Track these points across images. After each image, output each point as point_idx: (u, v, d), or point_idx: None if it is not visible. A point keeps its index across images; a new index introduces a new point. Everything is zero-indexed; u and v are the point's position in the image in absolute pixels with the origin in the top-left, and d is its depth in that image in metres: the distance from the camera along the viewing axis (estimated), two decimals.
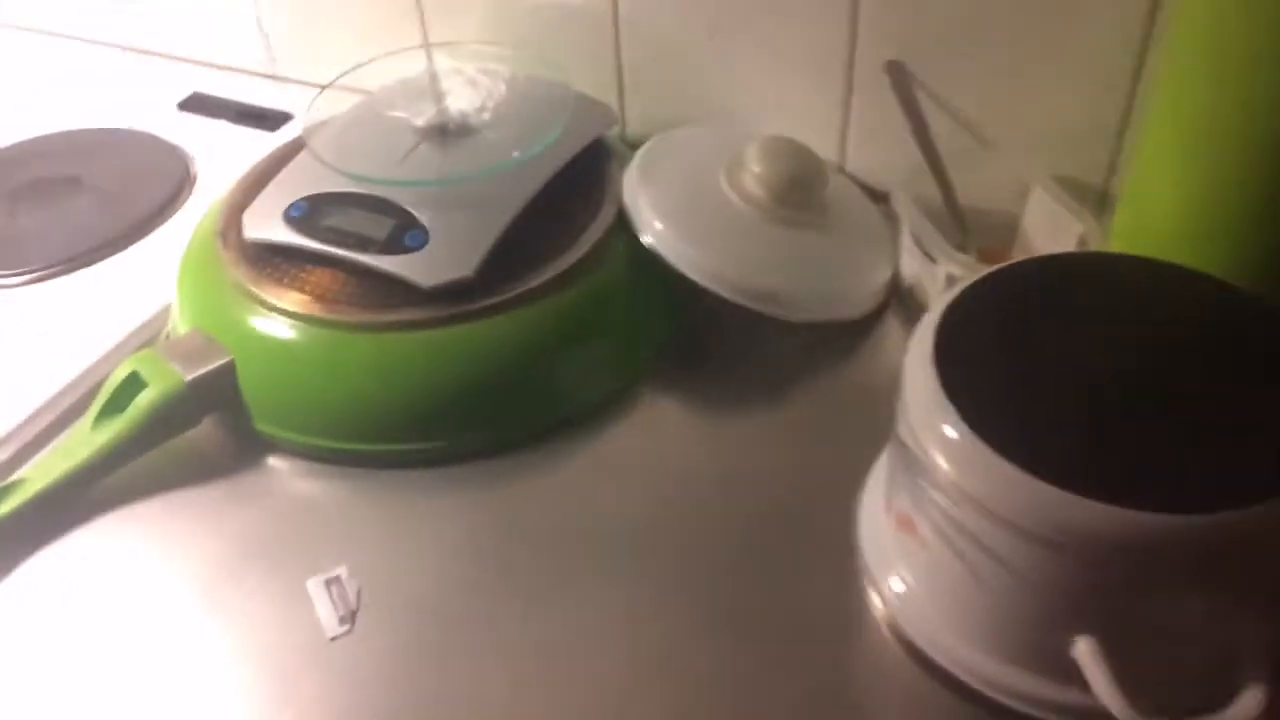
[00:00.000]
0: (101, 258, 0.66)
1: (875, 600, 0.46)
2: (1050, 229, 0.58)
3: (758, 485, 0.52)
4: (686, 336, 0.59)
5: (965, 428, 0.39)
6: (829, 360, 0.58)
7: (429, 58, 0.71)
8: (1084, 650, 0.38)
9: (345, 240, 0.55)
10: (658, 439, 0.55)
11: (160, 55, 0.89)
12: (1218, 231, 0.47)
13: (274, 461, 0.55)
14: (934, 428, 0.40)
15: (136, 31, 0.88)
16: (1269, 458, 0.37)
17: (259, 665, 0.46)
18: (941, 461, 0.40)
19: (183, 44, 0.87)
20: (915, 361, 0.42)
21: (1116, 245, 0.53)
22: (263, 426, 0.54)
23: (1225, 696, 0.38)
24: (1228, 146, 0.45)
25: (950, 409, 0.40)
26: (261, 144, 0.73)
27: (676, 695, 0.44)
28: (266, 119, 0.79)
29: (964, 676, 0.43)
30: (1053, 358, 0.42)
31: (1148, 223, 0.50)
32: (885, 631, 0.45)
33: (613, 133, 0.65)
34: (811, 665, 0.45)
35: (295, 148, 0.62)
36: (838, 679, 0.45)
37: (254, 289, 0.55)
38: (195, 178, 0.73)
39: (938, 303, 0.44)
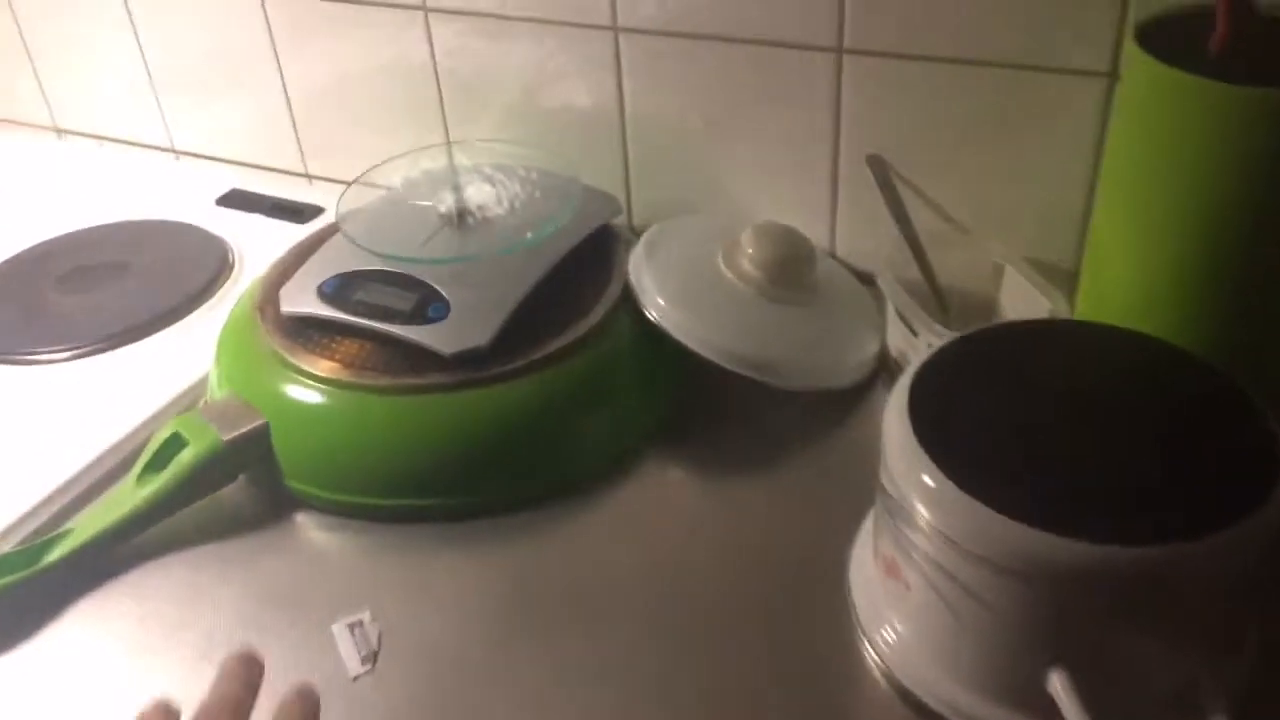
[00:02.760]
0: (145, 335, 0.71)
1: (868, 648, 0.49)
2: (1023, 306, 0.62)
3: (755, 543, 0.56)
4: (689, 405, 0.64)
5: (939, 473, 0.43)
6: (822, 427, 0.62)
7: (449, 154, 0.77)
8: (1057, 683, 0.41)
9: (373, 312, 0.60)
10: (661, 500, 0.59)
11: (202, 157, 0.96)
12: (1163, 303, 0.51)
13: (302, 517, 0.58)
14: (912, 475, 0.44)
15: (181, 135, 0.96)
16: (1212, 498, 0.41)
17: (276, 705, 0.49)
18: (920, 505, 0.43)
19: (222, 146, 0.94)
20: (893, 415, 0.46)
21: (1080, 318, 0.57)
22: (294, 483, 0.58)
23: None
24: (1166, 232, 0.51)
25: (925, 457, 0.43)
26: (294, 234, 0.79)
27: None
28: (299, 212, 0.85)
29: (947, 711, 0.45)
30: (1018, 410, 0.46)
31: (1104, 298, 0.54)
32: (879, 677, 0.48)
33: (619, 220, 0.71)
34: (802, 709, 0.47)
35: (327, 233, 0.68)
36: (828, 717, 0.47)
37: (288, 357, 0.59)
38: (233, 264, 0.79)
39: (914, 363, 0.49)
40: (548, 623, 0.52)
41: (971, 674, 0.45)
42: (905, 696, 0.47)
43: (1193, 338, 0.48)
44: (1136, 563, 0.39)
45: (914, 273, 0.65)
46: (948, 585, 0.43)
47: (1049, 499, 0.41)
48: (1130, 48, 0.50)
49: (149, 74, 0.92)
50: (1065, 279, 0.63)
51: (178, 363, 0.68)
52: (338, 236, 0.66)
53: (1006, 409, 0.46)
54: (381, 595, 0.54)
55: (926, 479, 0.43)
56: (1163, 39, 0.51)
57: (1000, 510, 0.41)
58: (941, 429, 0.45)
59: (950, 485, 0.42)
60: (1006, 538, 0.41)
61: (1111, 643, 0.41)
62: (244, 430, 0.58)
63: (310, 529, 0.58)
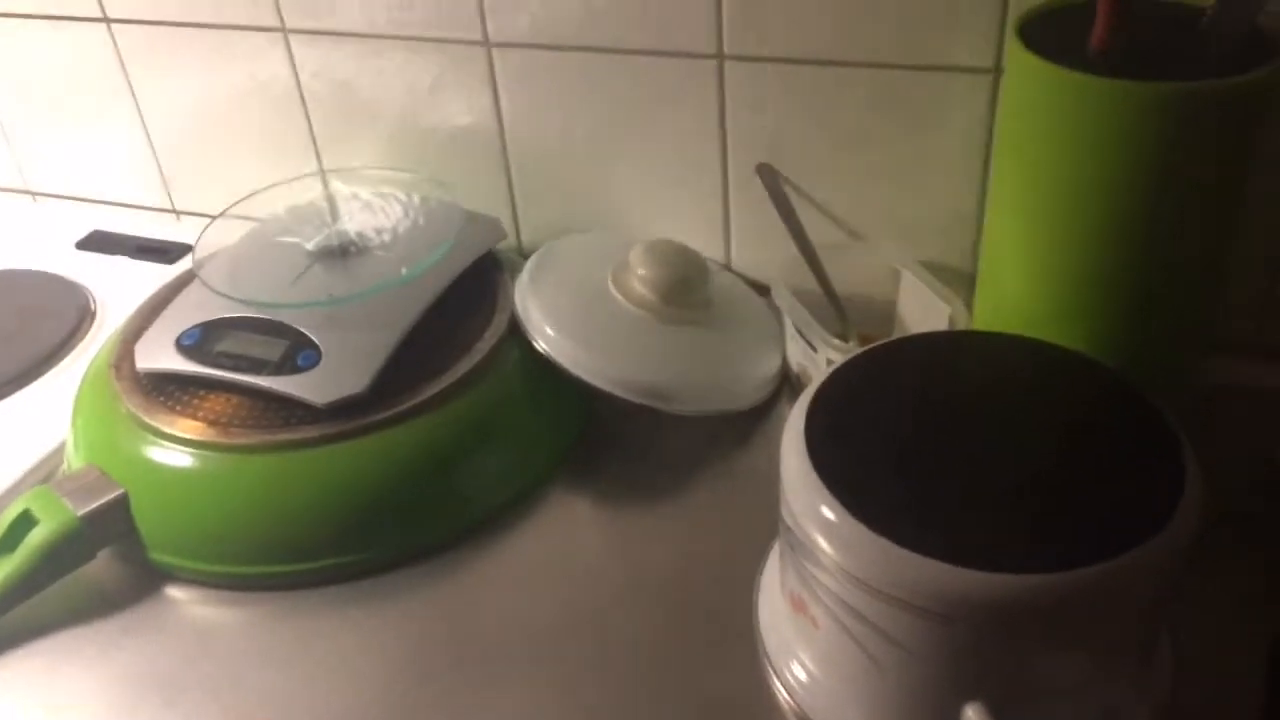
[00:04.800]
0: None
1: (779, 686, 0.47)
2: (922, 312, 0.60)
3: (662, 578, 0.53)
4: (588, 436, 0.61)
5: (840, 507, 0.40)
6: (726, 449, 0.60)
7: (323, 183, 0.73)
8: (971, 716, 0.39)
9: (238, 364, 0.55)
10: (564, 539, 0.56)
11: (60, 197, 0.89)
12: (1059, 306, 0.50)
13: (172, 591, 0.54)
14: (811, 509, 0.41)
15: (34, 175, 0.89)
16: (1117, 519, 0.39)
17: None
18: (821, 541, 0.41)
19: (81, 185, 0.88)
20: (789, 445, 0.44)
21: (978, 324, 0.56)
22: (158, 556, 0.54)
23: None
24: (1057, 231, 0.49)
25: (823, 489, 0.41)
26: (162, 276, 0.74)
27: None
28: (166, 252, 0.80)
29: None
30: (920, 432, 0.44)
31: (1001, 303, 0.53)
32: (787, 711, 0.46)
33: (504, 246, 0.67)
34: None
35: (189, 278, 0.63)
36: None
37: (146, 419, 0.55)
38: (95, 313, 0.74)
39: (810, 388, 0.46)
40: (453, 678, 0.49)
41: (885, 713, 0.42)
42: None
43: (1091, 340, 0.47)
44: (1052, 590, 0.37)
45: (811, 283, 0.63)
46: (856, 624, 0.41)
47: (957, 531, 0.39)
48: (1011, 43, 0.49)
49: None
50: (965, 281, 0.62)
51: (33, 429, 0.63)
52: (199, 281, 0.61)
53: (907, 432, 0.44)
54: (267, 670, 0.50)
55: (827, 513, 0.41)
56: (1045, 33, 0.49)
57: (907, 546, 0.38)
58: (841, 456, 0.42)
59: (852, 520, 0.40)
60: (917, 576, 0.38)
61: (1029, 672, 0.40)
62: (101, 502, 0.53)
63: (184, 604, 0.53)
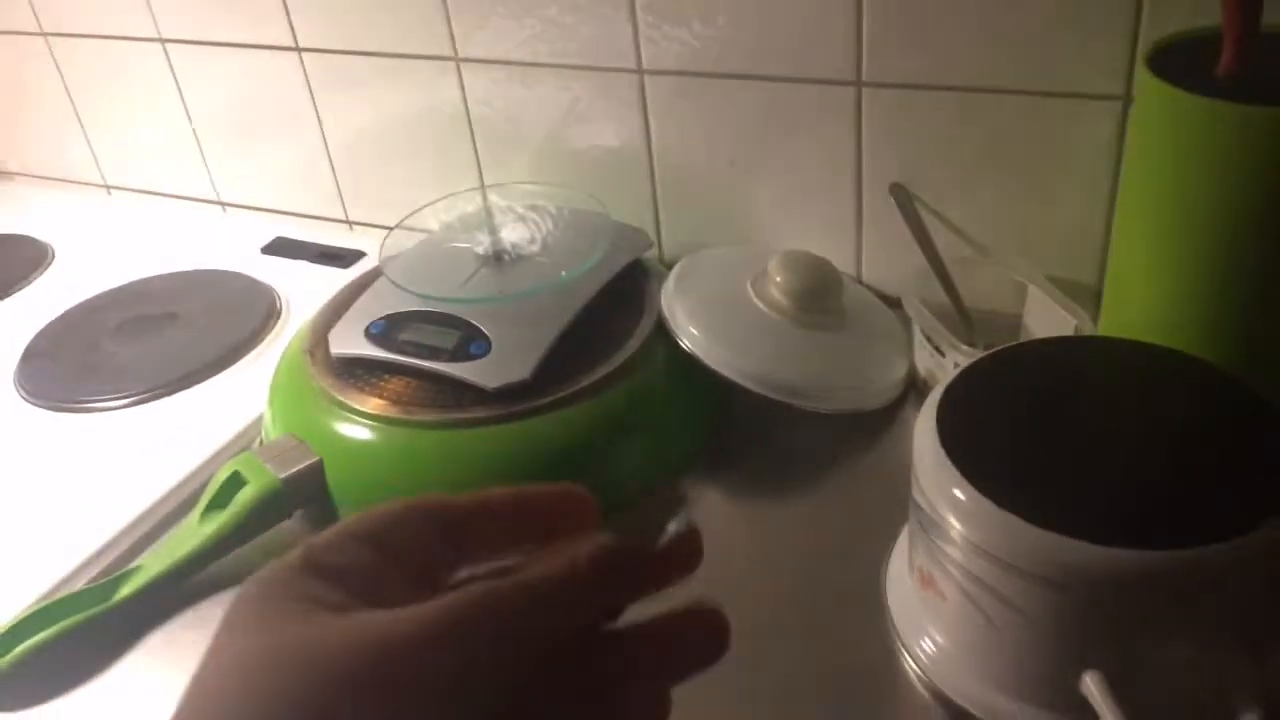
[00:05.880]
0: (199, 380, 0.75)
1: (908, 659, 0.50)
2: (1048, 324, 0.64)
3: (793, 562, 0.57)
4: (725, 431, 0.65)
5: (970, 487, 0.44)
6: (855, 447, 0.64)
7: (484, 197, 0.80)
8: (1091, 685, 0.43)
9: (419, 351, 0.62)
10: (701, 523, 0.60)
11: (246, 208, 0.99)
12: (1183, 317, 0.53)
13: None
14: (943, 489, 0.45)
15: (225, 188, 1.00)
16: (1236, 502, 0.42)
17: None
18: (951, 518, 0.45)
19: (266, 197, 0.98)
20: (923, 431, 0.48)
21: (1104, 333, 0.59)
22: (346, 515, 0.61)
23: None
24: (1182, 249, 0.52)
25: (954, 471, 0.45)
26: (338, 279, 0.82)
27: None
28: (342, 258, 0.88)
29: (984, 716, 0.47)
30: (1044, 423, 0.47)
31: (1126, 314, 0.56)
32: (918, 686, 0.49)
33: (649, 255, 0.73)
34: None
35: (371, 278, 0.71)
36: None
37: (339, 396, 0.62)
38: (280, 310, 0.82)
39: (942, 382, 0.50)
40: None
41: (1008, 679, 0.46)
42: (945, 703, 0.48)
43: (1212, 349, 0.50)
44: (1164, 566, 0.40)
45: (939, 295, 0.67)
46: (982, 595, 0.45)
47: (1078, 507, 0.43)
48: (1142, 72, 0.52)
49: (193, 129, 0.96)
50: (1089, 296, 0.65)
51: (232, 406, 0.71)
52: (382, 280, 0.69)
53: (1033, 422, 0.48)
54: None
55: (957, 492, 0.45)
56: (1174, 62, 0.52)
57: (1030, 520, 0.42)
58: (970, 443, 0.46)
59: (980, 498, 0.44)
60: (1038, 546, 0.42)
61: (1143, 645, 0.43)
62: (299, 468, 0.60)
63: None
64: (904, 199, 0.69)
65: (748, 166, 0.74)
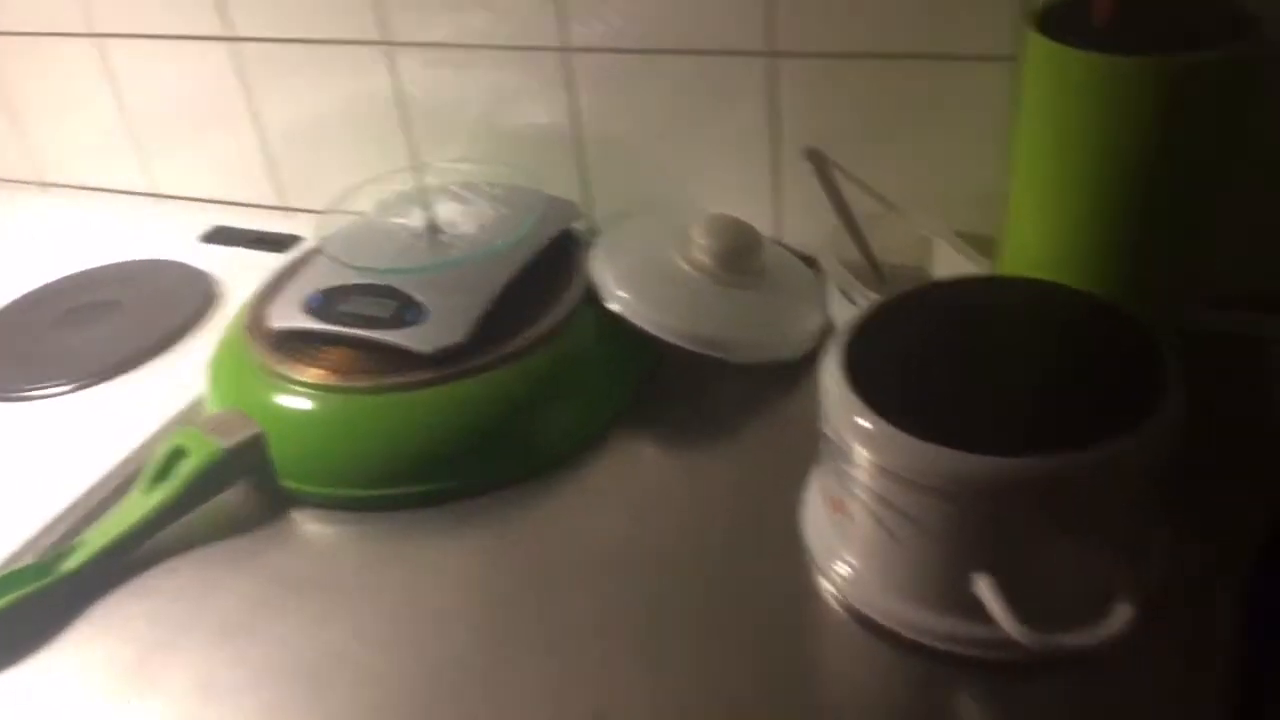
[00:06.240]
0: (141, 363, 0.76)
1: (824, 583, 0.54)
2: (953, 273, 0.67)
3: (717, 505, 0.60)
4: (654, 387, 0.69)
5: (867, 410, 0.47)
6: (775, 395, 0.67)
7: (418, 176, 0.82)
8: (982, 586, 0.46)
9: (356, 321, 0.65)
10: (629, 474, 0.64)
11: (184, 199, 1.01)
12: (1070, 255, 0.57)
13: (298, 514, 0.63)
14: (845, 415, 0.49)
15: (163, 179, 1.01)
16: (1111, 410, 0.46)
17: (291, 677, 0.53)
18: (853, 441, 0.48)
19: (202, 187, 0.99)
20: (828, 365, 0.51)
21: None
22: (290, 483, 0.63)
23: (1099, 617, 0.46)
24: (1070, 194, 0.56)
25: (853, 397, 0.48)
26: (276, 264, 0.83)
27: (660, 680, 0.51)
28: (280, 243, 0.90)
29: (898, 628, 0.50)
30: (939, 352, 0.51)
31: (1020, 255, 0.60)
32: (835, 606, 0.53)
33: (580, 225, 0.76)
34: (774, 646, 0.52)
35: (308, 258, 0.73)
36: (798, 654, 0.51)
37: (280, 369, 0.64)
38: (218, 294, 0.84)
39: (848, 321, 0.54)
40: (530, 584, 0.57)
41: (911, 589, 0.49)
42: (859, 619, 0.51)
43: (1096, 281, 0.54)
44: (1035, 472, 0.44)
45: (853, 253, 0.71)
46: (884, 511, 0.48)
47: (963, 425, 0.46)
48: (1026, 29, 0.56)
49: (128, 124, 0.97)
50: (991, 247, 0.69)
51: (173, 388, 0.73)
52: (319, 258, 0.71)
53: (928, 353, 0.51)
54: (380, 575, 0.58)
55: (857, 418, 0.48)
56: (1059, 19, 0.56)
57: (920, 436, 0.46)
58: (870, 374, 0.50)
59: (877, 420, 0.47)
60: (925, 460, 0.45)
61: (1027, 548, 0.46)
62: (240, 438, 0.62)
63: (307, 523, 0.62)
64: (818, 162, 0.72)
65: (673, 137, 0.78)
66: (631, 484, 0.63)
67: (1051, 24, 0.56)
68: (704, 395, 0.68)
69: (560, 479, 0.63)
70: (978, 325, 0.53)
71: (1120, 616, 0.46)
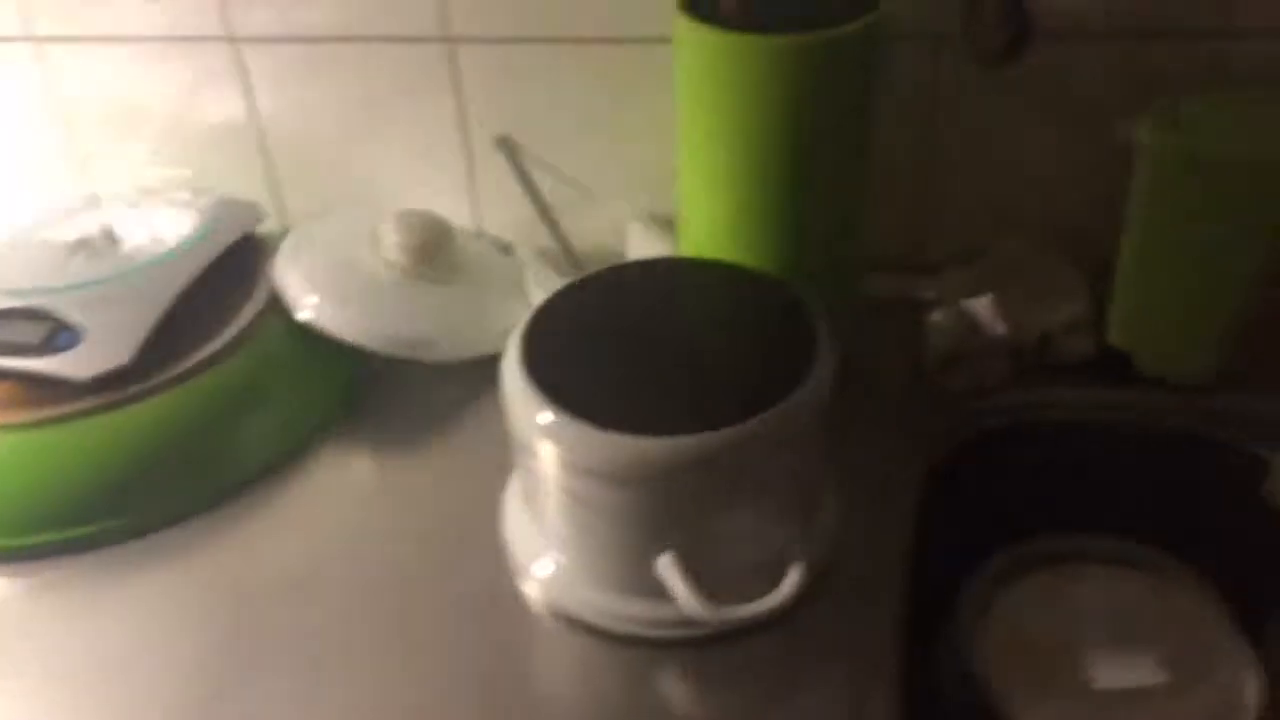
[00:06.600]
0: None
1: (525, 583, 0.53)
2: (646, 255, 0.68)
3: (423, 515, 0.59)
4: (360, 395, 0.66)
5: (543, 401, 0.47)
6: (487, 393, 0.65)
7: (84, 184, 0.75)
8: (661, 565, 0.47)
9: (0, 349, 0.58)
10: (335, 490, 0.61)
11: None
12: (733, 233, 0.58)
13: None
14: (526, 410, 0.48)
15: None
16: (760, 388, 0.47)
17: None
18: (533, 434, 0.48)
19: None
20: (506, 361, 0.50)
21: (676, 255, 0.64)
22: None
23: (778, 583, 0.48)
24: (724, 172, 0.57)
25: (531, 390, 0.48)
26: None
27: (359, 707, 0.49)
28: None
29: (595, 619, 0.50)
30: (614, 338, 0.51)
31: (691, 236, 0.61)
32: (535, 605, 0.52)
33: (266, 229, 0.71)
34: (477, 654, 0.51)
35: None
36: (500, 658, 0.51)
37: None
38: None
39: (528, 312, 0.53)
40: (222, 625, 0.53)
41: (605, 578, 0.50)
42: (559, 614, 0.51)
43: (758, 258, 0.55)
44: (693, 450, 0.45)
45: (552, 240, 0.70)
46: (570, 503, 0.48)
47: (637, 409, 0.46)
48: (675, 11, 0.56)
49: None
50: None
51: None
52: None
53: (606, 340, 0.51)
54: (50, 632, 0.53)
55: (536, 410, 0.47)
56: (711, 1, 0.57)
57: (595, 425, 0.46)
58: (549, 364, 0.49)
59: (554, 411, 0.47)
60: (601, 448, 0.46)
61: (704, 523, 0.48)
62: None
63: None
64: (510, 150, 0.72)
65: (358, 131, 0.74)
66: (333, 501, 0.60)
67: (701, 4, 0.57)
68: (415, 399, 0.66)
69: (254, 503, 0.60)
70: (648, 308, 0.54)
71: (791, 581, 0.48)
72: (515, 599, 0.53)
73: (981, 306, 0.57)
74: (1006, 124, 0.67)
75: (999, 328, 0.57)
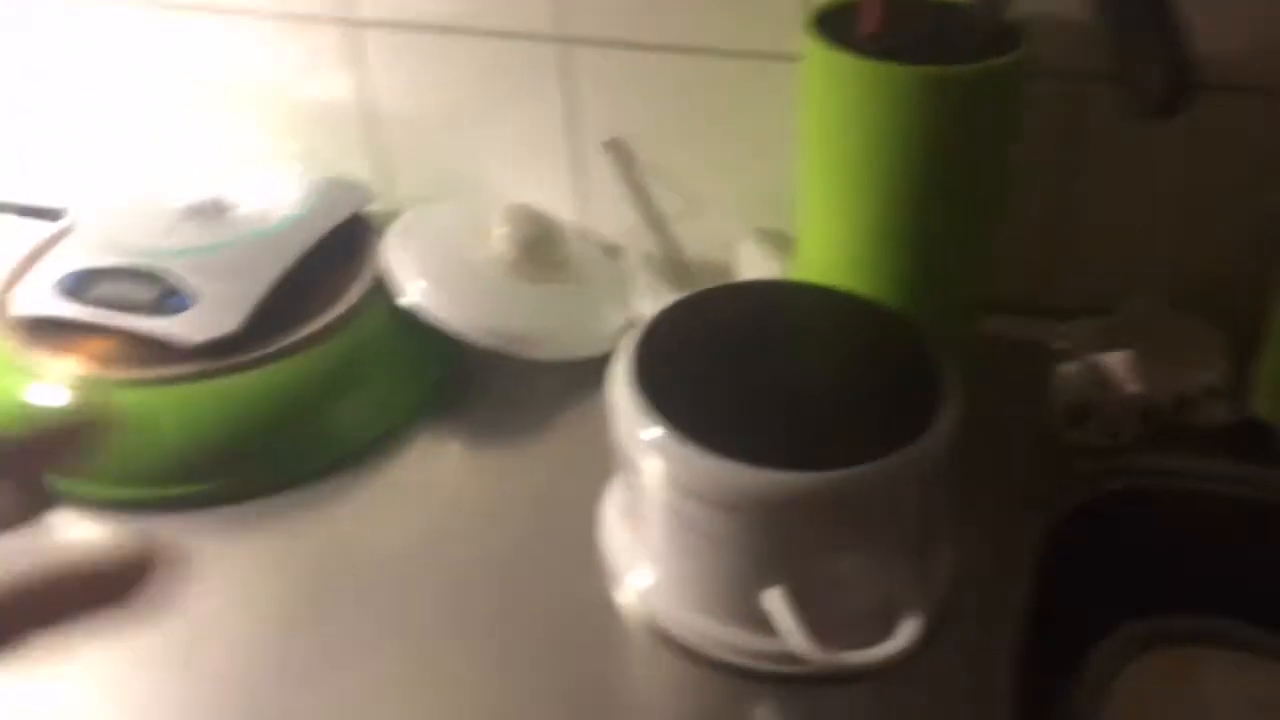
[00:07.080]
0: None
1: (620, 593, 0.52)
2: (756, 272, 0.67)
3: (516, 508, 0.58)
4: (456, 383, 0.65)
5: (656, 421, 0.46)
6: (585, 393, 0.64)
7: (198, 152, 0.76)
8: (770, 600, 0.45)
9: (112, 307, 0.58)
10: (427, 474, 0.60)
11: None
12: (856, 261, 0.57)
13: (62, 518, 0.56)
14: (633, 426, 0.47)
15: None
16: (890, 426, 0.45)
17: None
18: (642, 453, 0.46)
19: None
20: (617, 375, 0.49)
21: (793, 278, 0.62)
22: None
23: (888, 630, 0.46)
24: (848, 199, 0.56)
25: (642, 407, 0.46)
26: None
27: (448, 699, 0.48)
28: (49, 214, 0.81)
29: (692, 641, 0.49)
30: (730, 361, 0.50)
31: (811, 260, 0.60)
32: (630, 617, 0.51)
33: (373, 210, 0.71)
34: (567, 659, 0.50)
35: (62, 234, 0.65)
36: (590, 668, 0.50)
37: (24, 361, 0.57)
38: None
39: (639, 326, 0.52)
40: (312, 598, 0.53)
41: (705, 601, 0.48)
42: (654, 631, 0.50)
43: (881, 288, 0.53)
44: (817, 485, 0.43)
45: (659, 248, 0.69)
46: (675, 524, 0.47)
47: (750, 437, 0.45)
48: (804, 31, 0.55)
49: None
50: (792, 246, 0.68)
51: None
52: (73, 235, 0.64)
53: (718, 360, 0.50)
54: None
55: (646, 428, 0.46)
56: (837, 21, 0.55)
57: (709, 450, 0.44)
58: (659, 383, 0.48)
59: (665, 433, 0.45)
60: (711, 474, 0.44)
61: (814, 561, 0.46)
62: None
63: (63, 529, 0.56)
64: (620, 154, 0.70)
65: (472, 122, 0.74)
66: (426, 487, 0.59)
67: (830, 25, 0.55)
68: (512, 392, 0.65)
69: (348, 481, 0.59)
70: (766, 330, 0.52)
71: (906, 632, 0.46)
72: (608, 608, 0.52)
73: (1116, 361, 0.55)
74: (1151, 175, 0.64)
75: (1133, 385, 0.54)
